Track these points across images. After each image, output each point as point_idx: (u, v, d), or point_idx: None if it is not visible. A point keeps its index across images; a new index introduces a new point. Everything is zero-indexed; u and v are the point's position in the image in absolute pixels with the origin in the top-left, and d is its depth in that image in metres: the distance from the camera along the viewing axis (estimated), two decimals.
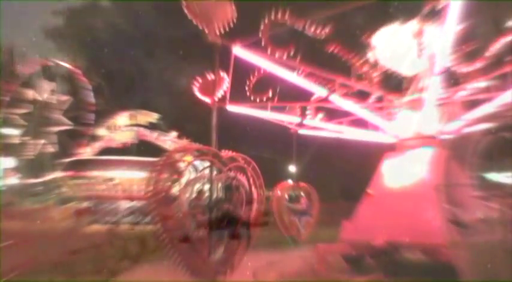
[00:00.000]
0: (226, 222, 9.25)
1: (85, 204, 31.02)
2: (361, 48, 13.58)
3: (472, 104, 12.40)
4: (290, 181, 18.65)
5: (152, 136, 41.29)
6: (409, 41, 12.45)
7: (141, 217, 25.12)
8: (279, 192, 17.13)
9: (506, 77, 11.63)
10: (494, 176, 13.49)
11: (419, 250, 9.62)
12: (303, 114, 14.46)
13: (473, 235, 8.89)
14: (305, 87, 12.70)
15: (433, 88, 11.67)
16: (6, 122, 36.40)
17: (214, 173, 9.45)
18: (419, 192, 10.86)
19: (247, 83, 13.49)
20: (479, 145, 11.99)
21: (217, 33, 10.26)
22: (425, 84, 12.21)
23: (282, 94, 13.49)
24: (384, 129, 13.61)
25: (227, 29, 10.43)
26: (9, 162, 36.19)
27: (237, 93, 13.31)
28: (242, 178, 10.20)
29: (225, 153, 9.94)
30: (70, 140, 39.86)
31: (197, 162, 9.74)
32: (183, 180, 8.77)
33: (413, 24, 12.42)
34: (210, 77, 11.69)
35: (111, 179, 32.92)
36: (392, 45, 12.96)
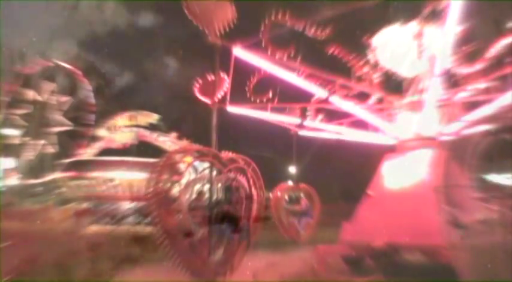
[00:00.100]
0: (226, 223, 9.25)
1: (85, 205, 30.98)
2: (361, 49, 13.59)
3: (472, 105, 12.40)
4: (290, 182, 18.63)
5: (152, 137, 41.25)
6: (410, 42, 12.46)
7: (141, 218, 25.08)
8: (278, 194, 17.11)
9: (506, 78, 11.64)
10: (494, 178, 13.50)
11: (419, 251, 9.61)
12: (303, 116, 14.45)
13: (473, 236, 8.90)
14: (305, 88, 12.71)
15: (433, 89, 11.68)
16: (7, 123, 36.38)
17: (214, 174, 9.45)
18: (419, 194, 10.87)
19: (248, 84, 13.49)
20: (479, 146, 12.00)
21: (218, 34, 10.27)
22: (425, 86, 12.22)
23: (282, 95, 13.49)
24: (384, 130, 13.62)
25: (227, 30, 10.44)
26: (9, 162, 36.15)
27: (237, 94, 13.31)
28: (242, 179, 10.20)
29: (225, 154, 9.95)
30: (70, 140, 39.82)
31: (197, 163, 9.74)
32: (183, 181, 8.78)
33: (414, 25, 12.43)
34: (210, 77, 11.70)
35: (111, 180, 32.87)
36: (392, 46, 12.97)
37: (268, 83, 13.20)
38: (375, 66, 13.65)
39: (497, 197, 10.00)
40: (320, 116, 14.84)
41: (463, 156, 11.90)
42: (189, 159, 9.20)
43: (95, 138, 40.82)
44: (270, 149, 30.77)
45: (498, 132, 12.00)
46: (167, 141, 39.98)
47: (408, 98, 12.97)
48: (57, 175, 35.22)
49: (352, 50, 13.54)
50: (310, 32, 11.59)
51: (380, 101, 14.31)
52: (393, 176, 12.21)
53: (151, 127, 42.13)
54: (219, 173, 9.63)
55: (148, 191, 7.89)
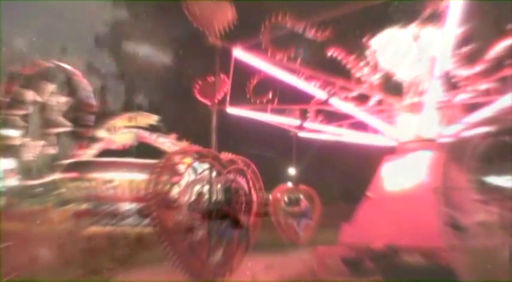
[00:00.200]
0: (226, 225, 9.25)
1: (84, 206, 30.93)
2: (361, 51, 13.59)
3: (472, 107, 12.39)
4: (289, 184, 18.64)
5: (152, 138, 41.22)
6: (409, 43, 12.47)
7: (141, 219, 25.04)
8: (278, 195, 17.10)
9: (507, 80, 11.64)
10: (494, 180, 13.46)
11: (419, 253, 9.60)
12: (302, 117, 14.47)
13: (473, 239, 8.87)
14: (305, 89, 12.71)
15: (433, 91, 11.67)
16: (6, 123, 36.34)
17: (214, 175, 9.45)
18: (419, 195, 10.84)
19: (248, 85, 13.49)
20: (479, 148, 11.96)
21: (218, 35, 10.27)
22: (425, 87, 12.21)
23: (282, 97, 13.50)
24: (383, 132, 13.61)
25: (227, 31, 10.44)
26: (9, 163, 36.11)
27: (237, 96, 13.33)
28: (241, 181, 10.21)
29: (225, 156, 9.95)
30: (70, 141, 39.78)
31: (197, 165, 9.75)
32: (183, 182, 8.78)
33: (414, 27, 12.43)
34: (210, 79, 11.71)
35: (110, 181, 32.83)
36: (392, 48, 12.97)
37: (268, 84, 13.21)
38: (375, 67, 13.66)
39: (497, 199, 9.94)
40: (320, 118, 14.86)
41: (462, 158, 11.84)
42: (188, 160, 9.21)
43: (94, 139, 40.79)
44: (269, 151, 30.76)
45: (498, 134, 11.96)
46: (167, 143, 39.95)
47: (408, 100, 12.95)
48: (57, 176, 35.19)
49: (352, 52, 13.55)
50: (310, 33, 11.59)
51: (380, 102, 14.31)
52: (393, 177, 12.20)
53: (151, 128, 42.11)
54: (219, 174, 9.64)
55: (148, 192, 7.89)
